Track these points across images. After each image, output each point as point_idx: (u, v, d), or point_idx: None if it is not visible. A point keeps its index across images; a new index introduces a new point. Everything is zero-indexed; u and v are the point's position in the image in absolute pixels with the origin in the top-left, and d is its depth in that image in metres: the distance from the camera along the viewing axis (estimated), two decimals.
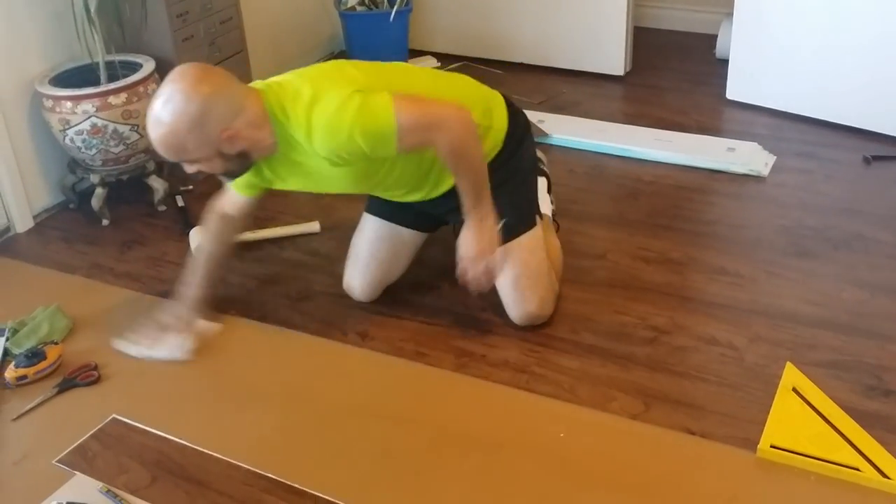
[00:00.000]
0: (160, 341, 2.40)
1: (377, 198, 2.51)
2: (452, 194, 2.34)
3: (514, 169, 2.40)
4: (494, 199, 2.32)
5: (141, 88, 2.93)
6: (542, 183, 2.70)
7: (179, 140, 2.05)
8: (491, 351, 2.36)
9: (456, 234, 2.32)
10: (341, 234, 2.92)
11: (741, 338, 2.35)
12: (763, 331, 2.38)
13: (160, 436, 2.13)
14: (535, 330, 2.42)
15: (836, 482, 1.91)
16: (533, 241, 2.39)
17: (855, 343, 2.32)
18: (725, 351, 2.31)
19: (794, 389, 2.16)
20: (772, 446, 1.99)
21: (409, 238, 2.52)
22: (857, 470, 1.93)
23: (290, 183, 2.29)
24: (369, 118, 2.04)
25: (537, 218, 2.44)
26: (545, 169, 2.78)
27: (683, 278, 2.61)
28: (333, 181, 2.24)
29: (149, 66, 3.02)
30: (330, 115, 2.05)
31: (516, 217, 2.37)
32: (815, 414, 2.09)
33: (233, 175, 2.22)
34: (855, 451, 1.97)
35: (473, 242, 2.25)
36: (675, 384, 2.21)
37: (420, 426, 2.13)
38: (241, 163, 2.16)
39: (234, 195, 2.41)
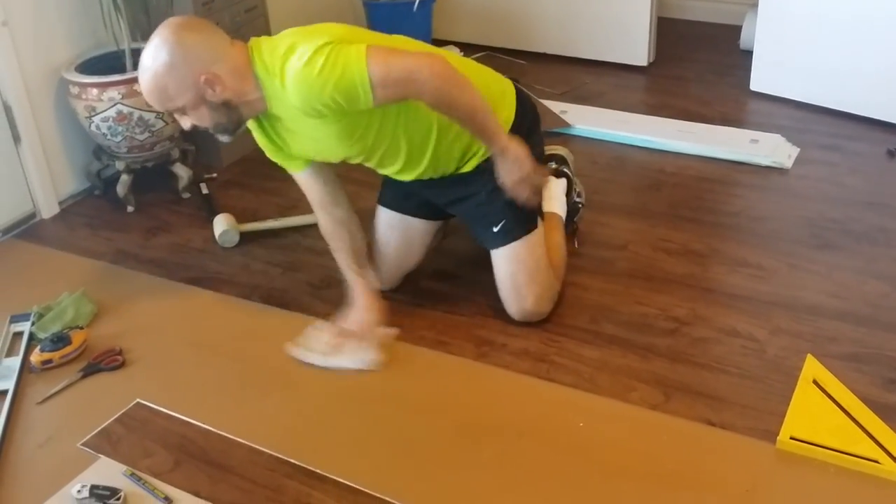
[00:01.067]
0: (340, 349, 2.32)
1: (387, 188, 2.53)
2: (451, 184, 2.37)
3: None
4: (494, 200, 2.33)
5: None
6: (560, 184, 2.70)
7: (160, 83, 2.09)
8: (511, 340, 2.37)
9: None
10: (363, 223, 2.92)
11: (762, 330, 2.35)
12: (784, 323, 2.37)
13: (184, 420, 2.15)
14: (556, 320, 2.42)
15: (856, 474, 1.91)
16: (533, 240, 2.39)
17: (876, 336, 2.31)
18: (746, 343, 2.31)
19: (815, 382, 2.15)
20: (791, 438, 1.99)
21: (419, 226, 2.52)
22: (877, 462, 1.93)
23: (294, 146, 2.29)
24: (340, 69, 2.01)
25: (539, 219, 2.43)
26: (567, 171, 2.77)
27: (705, 270, 2.61)
28: (321, 141, 2.22)
29: None
30: (302, 64, 2.03)
31: (516, 219, 2.37)
32: (835, 406, 2.09)
33: (224, 130, 2.21)
34: (875, 444, 1.97)
35: (507, 173, 2.24)
36: (696, 375, 2.21)
37: (440, 414, 2.14)
38: (228, 115, 2.16)
39: (302, 179, 2.40)
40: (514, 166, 2.23)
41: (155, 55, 2.08)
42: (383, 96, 2.06)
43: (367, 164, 2.37)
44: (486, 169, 2.34)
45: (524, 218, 2.38)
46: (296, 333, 2.44)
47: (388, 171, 2.38)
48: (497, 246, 2.39)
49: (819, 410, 2.08)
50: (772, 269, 2.60)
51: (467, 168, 2.37)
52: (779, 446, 1.99)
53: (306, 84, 2.03)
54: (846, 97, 3.44)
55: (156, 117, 2.95)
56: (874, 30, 3.28)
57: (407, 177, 2.38)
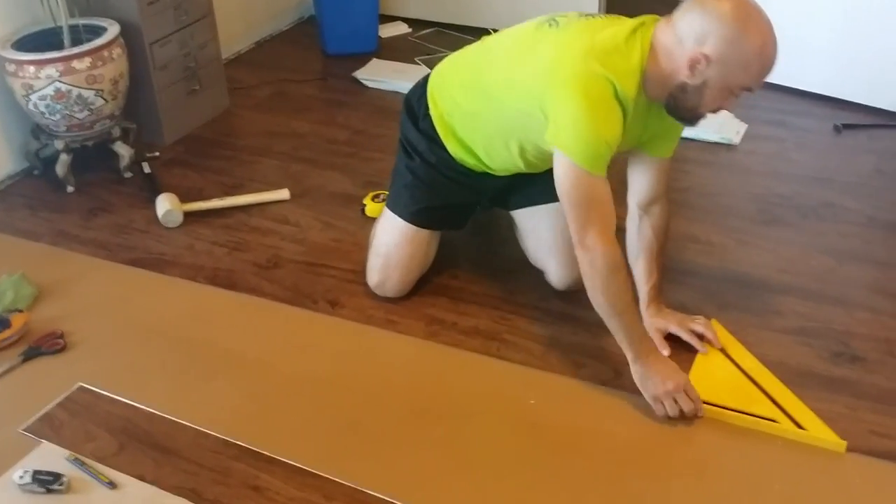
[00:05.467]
0: None
1: (419, 203, 2.37)
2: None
3: None
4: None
5: (105, 53, 2.88)
6: None
7: None
8: (462, 319, 2.36)
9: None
10: (310, 202, 2.90)
11: (710, 305, 2.36)
12: (732, 298, 2.39)
13: (127, 404, 2.11)
14: (507, 298, 2.41)
15: (755, 433, 1.96)
16: None
17: (822, 310, 2.34)
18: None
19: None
20: None
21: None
22: (774, 421, 1.98)
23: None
24: None
25: None
26: None
27: None
28: None
29: (113, 29, 2.97)
30: None
31: None
32: (735, 369, 2.14)
33: None
34: (772, 404, 2.03)
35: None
36: None
37: (390, 394, 2.12)
38: None
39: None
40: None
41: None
42: None
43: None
44: None
45: None
46: (242, 315, 2.41)
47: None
48: None
49: (720, 373, 2.13)
50: (720, 244, 2.62)
51: None
52: None
53: None
54: (793, 73, 3.46)
55: (95, 95, 2.88)
56: (819, 5, 3.30)
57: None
